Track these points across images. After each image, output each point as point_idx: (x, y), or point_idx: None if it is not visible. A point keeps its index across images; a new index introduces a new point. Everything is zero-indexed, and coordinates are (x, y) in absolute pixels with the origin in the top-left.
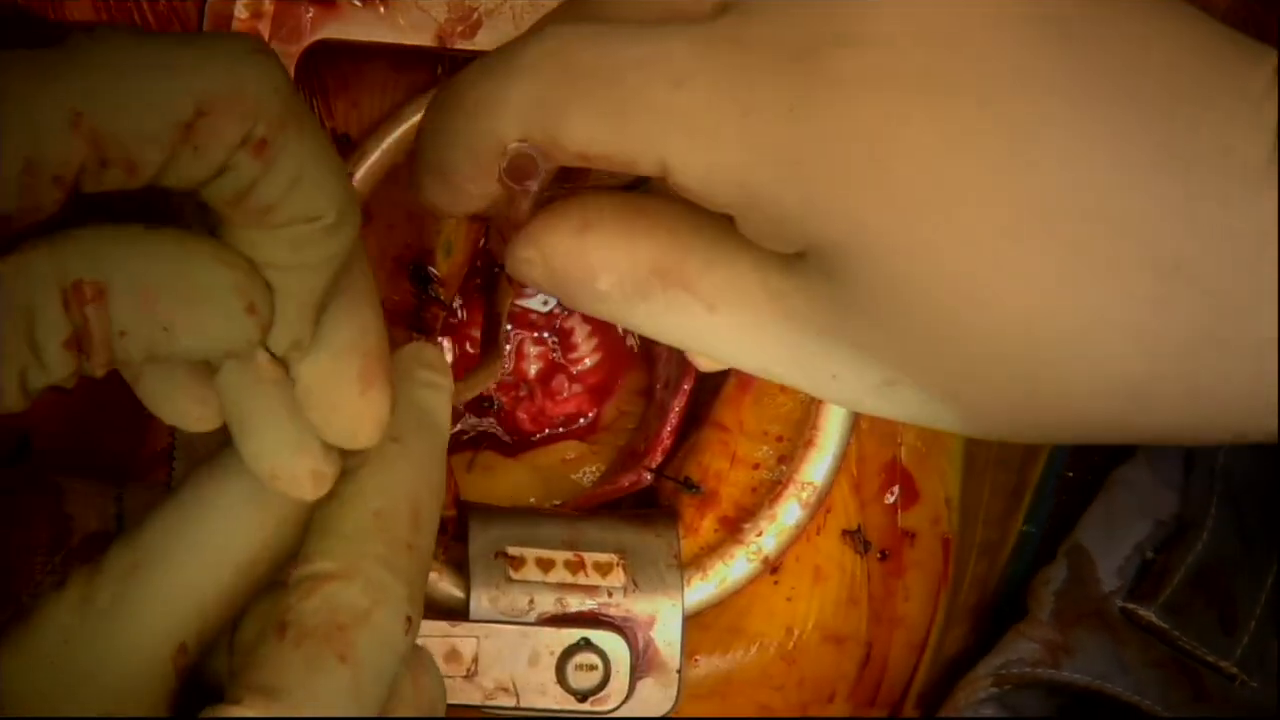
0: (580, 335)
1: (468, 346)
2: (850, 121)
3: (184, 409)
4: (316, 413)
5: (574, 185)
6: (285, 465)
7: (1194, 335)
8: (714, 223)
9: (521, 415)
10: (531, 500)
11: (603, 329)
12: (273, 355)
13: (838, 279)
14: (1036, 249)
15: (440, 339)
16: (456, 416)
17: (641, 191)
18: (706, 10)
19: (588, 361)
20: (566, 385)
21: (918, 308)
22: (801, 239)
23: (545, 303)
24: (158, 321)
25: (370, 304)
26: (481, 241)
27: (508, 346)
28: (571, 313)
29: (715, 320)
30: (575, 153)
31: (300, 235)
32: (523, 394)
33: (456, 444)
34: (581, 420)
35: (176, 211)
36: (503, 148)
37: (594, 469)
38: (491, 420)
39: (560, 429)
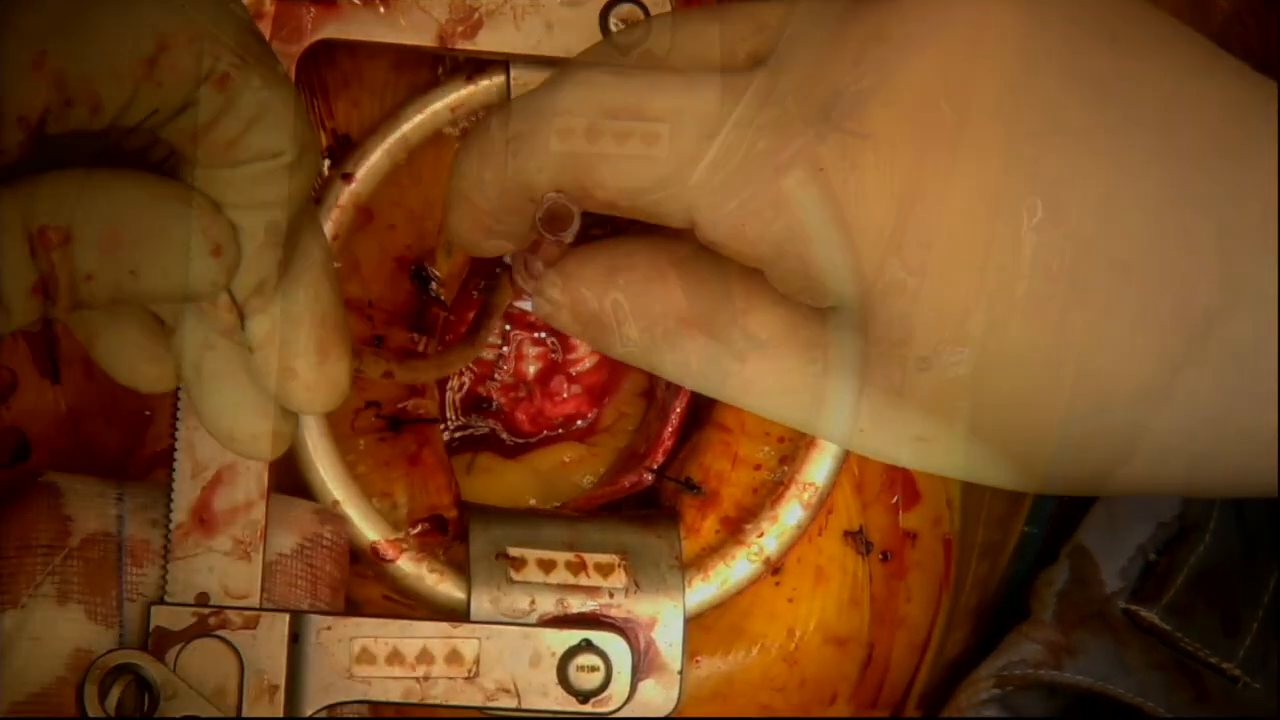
0: None
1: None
2: (878, 180)
3: (140, 370)
4: (275, 380)
5: (606, 226)
6: (244, 425)
7: (1223, 391)
8: (745, 272)
9: (520, 417)
10: (531, 502)
11: None
12: (233, 301)
13: (867, 334)
14: (1069, 304)
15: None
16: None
17: (673, 238)
18: (740, 61)
19: (586, 363)
20: (565, 386)
21: (948, 365)
22: (831, 294)
23: None
24: (124, 265)
25: (327, 274)
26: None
27: (505, 348)
28: None
29: (744, 370)
30: (605, 200)
31: (261, 173)
32: (521, 395)
33: (455, 446)
34: (580, 422)
35: (133, 158)
36: (533, 190)
37: (593, 471)
38: (491, 422)
39: (559, 430)
